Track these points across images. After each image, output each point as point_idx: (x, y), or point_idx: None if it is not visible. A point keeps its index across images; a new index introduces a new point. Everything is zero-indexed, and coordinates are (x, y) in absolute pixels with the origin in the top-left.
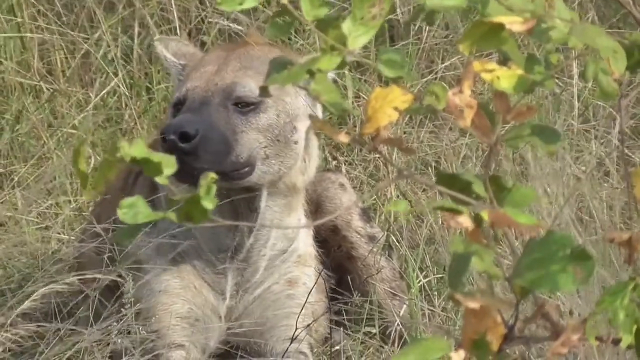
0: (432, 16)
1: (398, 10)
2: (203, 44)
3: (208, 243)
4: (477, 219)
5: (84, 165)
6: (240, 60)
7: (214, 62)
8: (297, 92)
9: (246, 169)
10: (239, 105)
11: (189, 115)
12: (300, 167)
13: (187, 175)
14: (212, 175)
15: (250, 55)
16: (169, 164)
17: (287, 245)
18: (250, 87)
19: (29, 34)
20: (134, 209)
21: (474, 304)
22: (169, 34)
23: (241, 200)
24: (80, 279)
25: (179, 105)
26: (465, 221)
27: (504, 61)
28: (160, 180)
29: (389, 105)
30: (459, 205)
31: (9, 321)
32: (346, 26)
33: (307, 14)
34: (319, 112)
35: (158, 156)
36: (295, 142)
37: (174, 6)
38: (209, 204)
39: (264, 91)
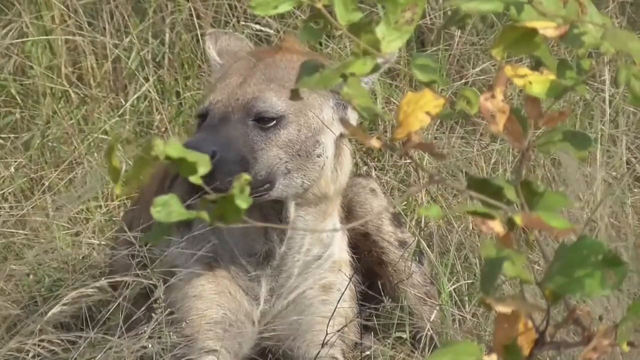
0: (464, 20)
1: (428, 16)
2: None
3: (238, 246)
4: (508, 224)
5: (117, 161)
6: (265, 72)
7: (239, 73)
8: (322, 104)
9: (265, 186)
10: (260, 121)
11: (206, 134)
12: (331, 177)
13: (204, 194)
14: (246, 176)
15: (276, 65)
16: (203, 164)
17: (322, 250)
18: (270, 101)
19: (59, 40)
20: (167, 208)
21: (505, 309)
22: (199, 39)
23: (270, 210)
24: (112, 285)
25: (202, 118)
26: (496, 226)
27: (535, 66)
28: (194, 180)
29: (420, 110)
30: (490, 209)
31: (38, 327)
32: (380, 30)
33: (342, 18)
34: (352, 119)
35: (193, 155)
36: (319, 156)
37: (204, 11)
38: (242, 203)
39: (295, 94)
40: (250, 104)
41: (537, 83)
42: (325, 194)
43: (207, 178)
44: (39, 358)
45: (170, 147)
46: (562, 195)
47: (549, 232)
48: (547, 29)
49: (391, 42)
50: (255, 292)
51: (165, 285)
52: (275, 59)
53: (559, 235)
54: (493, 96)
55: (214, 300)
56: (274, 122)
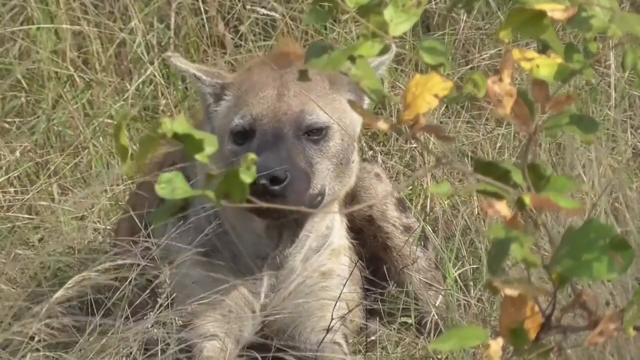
0: (471, 4)
1: (433, 0)
2: (237, 33)
3: (248, 250)
4: (517, 205)
5: (125, 140)
6: (298, 83)
7: (270, 85)
8: (351, 107)
9: (318, 199)
10: (309, 134)
11: (270, 154)
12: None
13: (273, 213)
14: (252, 155)
15: None
16: (210, 142)
17: (322, 242)
18: (316, 113)
19: (64, 24)
20: (171, 185)
21: (512, 292)
22: (205, 24)
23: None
24: (116, 269)
25: (243, 133)
26: (503, 209)
27: (542, 50)
28: (200, 158)
29: (428, 92)
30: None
31: (43, 310)
32: (388, 13)
33: (350, 1)
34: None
35: (200, 133)
36: (352, 161)
37: None
38: (247, 178)
39: (303, 75)
40: (300, 119)
41: (544, 66)
42: (338, 196)
43: (280, 199)
44: (44, 343)
45: (177, 124)
46: (569, 178)
47: (558, 213)
48: (555, 11)
49: (399, 24)
50: (256, 288)
51: (162, 273)
52: (297, 67)
53: (568, 216)
54: (500, 79)
55: (213, 288)
56: (322, 133)
